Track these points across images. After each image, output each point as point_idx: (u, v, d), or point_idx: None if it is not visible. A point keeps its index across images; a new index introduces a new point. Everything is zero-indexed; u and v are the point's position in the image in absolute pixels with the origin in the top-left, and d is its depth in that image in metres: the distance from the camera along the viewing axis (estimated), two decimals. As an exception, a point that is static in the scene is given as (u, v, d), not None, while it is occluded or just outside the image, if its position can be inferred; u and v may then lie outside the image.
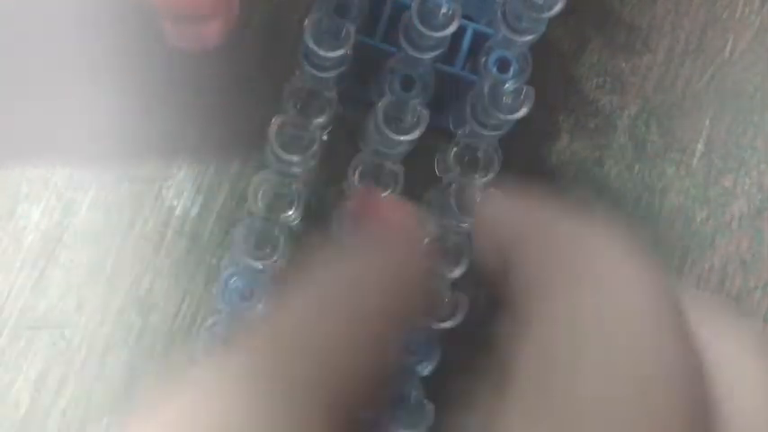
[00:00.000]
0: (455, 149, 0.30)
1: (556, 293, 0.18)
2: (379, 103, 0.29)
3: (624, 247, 0.19)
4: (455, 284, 0.30)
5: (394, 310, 0.19)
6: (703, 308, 0.20)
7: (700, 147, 0.36)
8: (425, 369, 0.30)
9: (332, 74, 0.30)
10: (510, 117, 0.30)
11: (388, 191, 0.30)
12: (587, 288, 0.18)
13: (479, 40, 0.32)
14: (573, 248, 0.19)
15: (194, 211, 0.33)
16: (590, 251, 0.19)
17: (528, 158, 0.35)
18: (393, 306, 0.19)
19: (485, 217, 0.22)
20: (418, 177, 0.31)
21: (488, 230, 0.21)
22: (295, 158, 0.29)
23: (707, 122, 0.36)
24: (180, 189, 0.33)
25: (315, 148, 0.29)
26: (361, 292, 0.19)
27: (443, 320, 0.30)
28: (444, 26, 0.29)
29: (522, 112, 0.29)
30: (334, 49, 0.29)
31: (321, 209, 0.32)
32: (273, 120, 0.29)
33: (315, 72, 0.30)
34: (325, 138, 0.31)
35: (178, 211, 0.32)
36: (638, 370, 0.16)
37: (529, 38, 0.31)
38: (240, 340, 0.18)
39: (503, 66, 0.32)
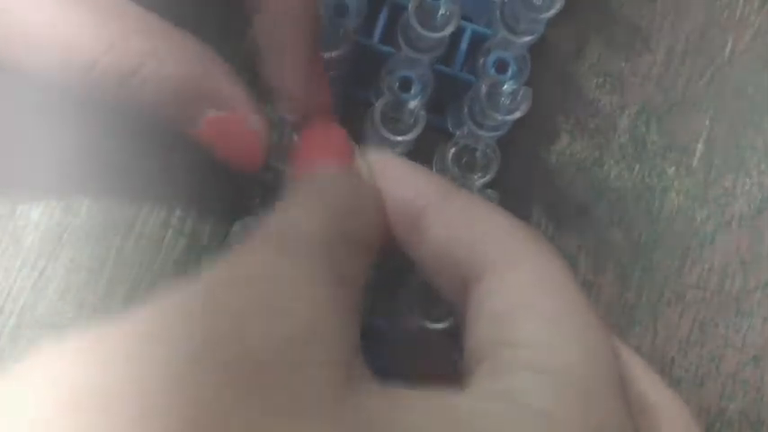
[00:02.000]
0: (453, 150, 0.30)
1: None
2: (377, 104, 0.29)
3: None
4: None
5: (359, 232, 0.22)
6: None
7: (700, 147, 0.35)
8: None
9: (331, 74, 0.30)
10: (508, 118, 0.30)
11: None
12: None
13: (478, 41, 0.32)
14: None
15: (194, 210, 0.33)
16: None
17: (527, 159, 0.35)
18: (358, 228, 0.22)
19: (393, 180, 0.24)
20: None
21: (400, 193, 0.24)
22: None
23: (707, 122, 0.36)
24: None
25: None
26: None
27: None
28: (442, 27, 0.29)
29: (520, 112, 0.29)
30: (332, 49, 0.29)
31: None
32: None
33: (313, 73, 0.30)
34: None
35: (178, 211, 0.33)
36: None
37: (527, 39, 0.31)
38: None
39: (501, 67, 0.32)
